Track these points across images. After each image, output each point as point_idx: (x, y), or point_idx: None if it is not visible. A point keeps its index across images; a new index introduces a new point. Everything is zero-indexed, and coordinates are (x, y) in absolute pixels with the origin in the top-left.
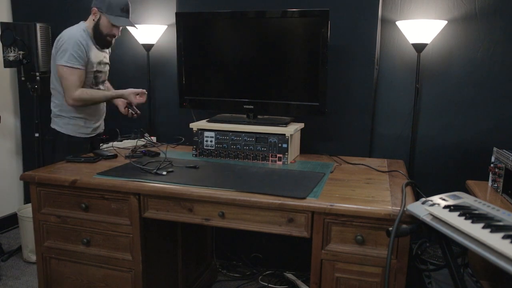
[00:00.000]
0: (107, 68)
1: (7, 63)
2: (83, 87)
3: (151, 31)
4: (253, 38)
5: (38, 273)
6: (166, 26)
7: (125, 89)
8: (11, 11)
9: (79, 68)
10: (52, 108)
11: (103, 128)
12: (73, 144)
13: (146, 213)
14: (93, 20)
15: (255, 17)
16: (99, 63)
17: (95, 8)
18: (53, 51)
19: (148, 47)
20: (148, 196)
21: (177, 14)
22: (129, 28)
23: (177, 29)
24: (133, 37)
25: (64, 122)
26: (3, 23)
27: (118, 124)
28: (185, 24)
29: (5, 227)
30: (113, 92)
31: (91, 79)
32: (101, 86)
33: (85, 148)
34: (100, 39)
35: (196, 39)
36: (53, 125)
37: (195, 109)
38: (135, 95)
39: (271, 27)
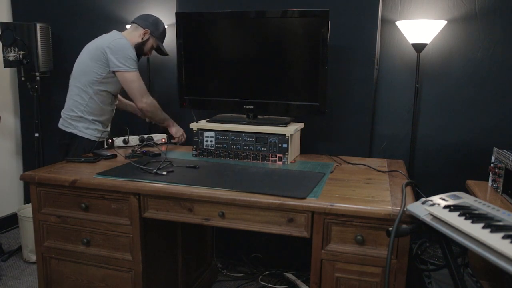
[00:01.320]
0: None
1: (7, 63)
2: (113, 94)
3: None
4: (253, 38)
5: (38, 273)
6: (166, 26)
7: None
8: (11, 11)
9: (138, 73)
10: (72, 108)
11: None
12: (91, 148)
13: (146, 213)
14: (141, 39)
15: (255, 17)
16: None
17: (148, 30)
18: (98, 52)
19: None
20: (148, 196)
21: (177, 14)
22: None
23: (177, 29)
24: None
25: (85, 126)
26: (3, 23)
27: (125, 123)
28: (185, 24)
29: (5, 227)
30: (169, 120)
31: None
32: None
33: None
34: (137, 56)
35: (196, 39)
36: (70, 129)
37: (195, 109)
38: (183, 136)
39: (271, 27)
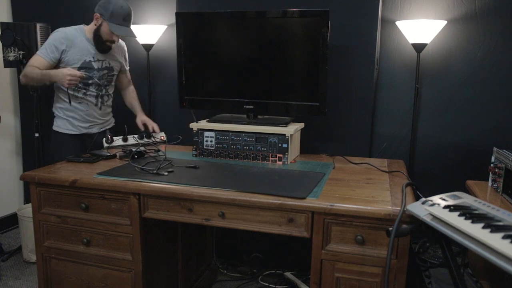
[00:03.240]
0: (106, 72)
1: (7, 63)
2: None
3: (151, 31)
4: (253, 38)
5: (38, 273)
6: (166, 26)
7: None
8: (11, 11)
9: (41, 57)
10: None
11: (101, 128)
12: (60, 140)
13: (146, 213)
14: (95, 25)
15: (255, 17)
16: (90, 63)
17: (98, 14)
18: None
19: (148, 47)
20: (148, 196)
21: (177, 14)
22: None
23: (177, 29)
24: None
25: (57, 120)
26: (3, 23)
27: (125, 122)
28: (185, 24)
29: (5, 227)
30: (49, 76)
31: None
32: (92, 90)
33: (73, 144)
34: (99, 43)
35: (196, 39)
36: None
37: (195, 109)
38: (68, 77)
39: (271, 27)
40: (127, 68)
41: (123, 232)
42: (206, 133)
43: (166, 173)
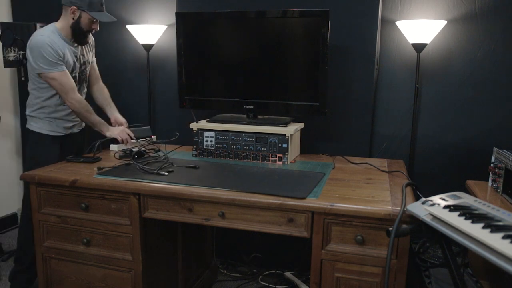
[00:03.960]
0: (84, 67)
1: (7, 63)
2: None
3: (151, 31)
4: (253, 38)
5: (38, 273)
6: (166, 26)
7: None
8: (11, 11)
9: (64, 71)
10: (27, 108)
11: (79, 128)
12: (42, 142)
13: (146, 213)
14: (72, 19)
15: (255, 17)
16: (75, 62)
17: (74, 7)
18: (27, 53)
19: (148, 47)
20: (148, 196)
21: (177, 14)
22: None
23: (177, 29)
24: (133, 37)
25: (38, 122)
26: (3, 23)
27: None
28: (185, 24)
29: (5, 227)
30: (101, 124)
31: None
32: (81, 87)
33: (54, 147)
34: (80, 36)
35: (196, 39)
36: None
37: (195, 109)
38: (125, 134)
39: (271, 27)
40: (94, 59)
41: (123, 232)
42: (206, 133)
43: (166, 173)
